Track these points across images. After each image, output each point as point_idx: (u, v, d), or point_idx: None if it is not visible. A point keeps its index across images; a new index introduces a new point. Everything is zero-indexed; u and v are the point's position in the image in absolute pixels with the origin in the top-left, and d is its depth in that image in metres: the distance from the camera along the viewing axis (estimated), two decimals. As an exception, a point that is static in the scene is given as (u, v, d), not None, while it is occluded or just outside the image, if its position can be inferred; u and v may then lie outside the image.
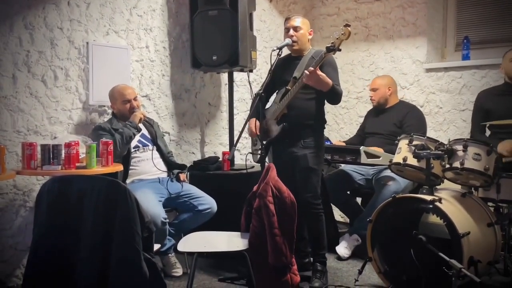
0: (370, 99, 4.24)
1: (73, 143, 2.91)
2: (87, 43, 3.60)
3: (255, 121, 3.33)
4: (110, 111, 3.66)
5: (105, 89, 3.58)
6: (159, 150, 3.64)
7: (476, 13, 4.43)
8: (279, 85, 3.39)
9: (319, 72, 3.03)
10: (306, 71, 3.04)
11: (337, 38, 2.97)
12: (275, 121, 3.34)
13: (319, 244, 3.35)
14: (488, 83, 4.11)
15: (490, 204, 3.23)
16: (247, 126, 3.31)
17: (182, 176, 3.68)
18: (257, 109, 3.24)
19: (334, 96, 3.23)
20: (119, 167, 3.18)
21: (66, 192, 2.14)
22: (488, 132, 3.74)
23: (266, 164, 2.94)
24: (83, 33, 3.59)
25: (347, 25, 2.97)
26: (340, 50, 3.02)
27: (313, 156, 3.27)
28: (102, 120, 3.65)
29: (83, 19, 3.59)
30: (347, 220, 4.44)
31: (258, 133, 3.26)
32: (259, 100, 3.16)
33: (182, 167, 3.76)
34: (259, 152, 3.17)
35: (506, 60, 3.62)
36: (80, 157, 2.98)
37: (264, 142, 3.32)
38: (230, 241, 2.71)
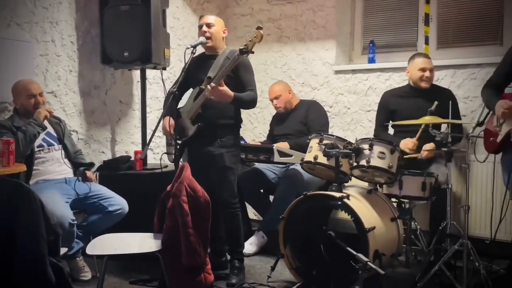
0: (275, 107, 4.31)
1: (-31, 142, 2.72)
2: (-14, 34, 3.37)
3: (169, 119, 3.29)
4: (11, 108, 3.44)
5: (6, 85, 3.35)
6: (65, 149, 3.48)
7: (381, 19, 4.67)
8: (193, 84, 3.36)
9: (221, 88, 3.07)
10: (208, 86, 3.07)
11: (250, 41, 3.01)
12: (190, 120, 3.31)
13: (236, 242, 3.40)
14: (391, 86, 4.35)
15: (393, 200, 3.43)
16: (161, 124, 3.26)
17: (89, 174, 3.53)
18: (171, 108, 3.20)
19: (242, 105, 3.28)
20: (22, 168, 3.00)
21: (-39, 195, 1.99)
22: (391, 131, 3.95)
23: (181, 163, 2.91)
24: (-19, 23, 3.35)
25: (259, 28, 3.02)
26: (253, 52, 3.07)
27: (230, 155, 3.29)
28: (3, 118, 3.43)
29: (-19, 8, 3.35)
30: (261, 217, 4.50)
31: (173, 132, 3.23)
32: (173, 99, 3.13)
33: (88, 165, 3.61)
34: (174, 152, 3.13)
35: (413, 67, 3.74)
36: (-23, 157, 2.78)
37: (180, 142, 3.29)
38: (142, 243, 2.65)
